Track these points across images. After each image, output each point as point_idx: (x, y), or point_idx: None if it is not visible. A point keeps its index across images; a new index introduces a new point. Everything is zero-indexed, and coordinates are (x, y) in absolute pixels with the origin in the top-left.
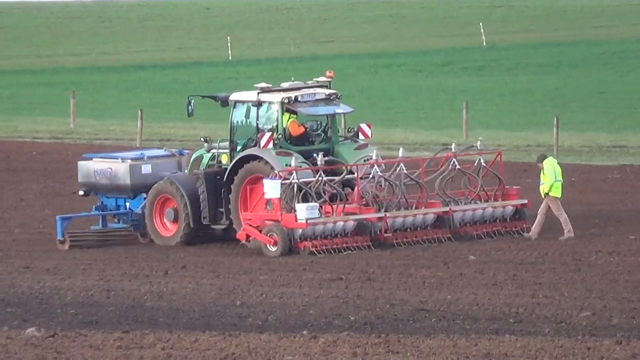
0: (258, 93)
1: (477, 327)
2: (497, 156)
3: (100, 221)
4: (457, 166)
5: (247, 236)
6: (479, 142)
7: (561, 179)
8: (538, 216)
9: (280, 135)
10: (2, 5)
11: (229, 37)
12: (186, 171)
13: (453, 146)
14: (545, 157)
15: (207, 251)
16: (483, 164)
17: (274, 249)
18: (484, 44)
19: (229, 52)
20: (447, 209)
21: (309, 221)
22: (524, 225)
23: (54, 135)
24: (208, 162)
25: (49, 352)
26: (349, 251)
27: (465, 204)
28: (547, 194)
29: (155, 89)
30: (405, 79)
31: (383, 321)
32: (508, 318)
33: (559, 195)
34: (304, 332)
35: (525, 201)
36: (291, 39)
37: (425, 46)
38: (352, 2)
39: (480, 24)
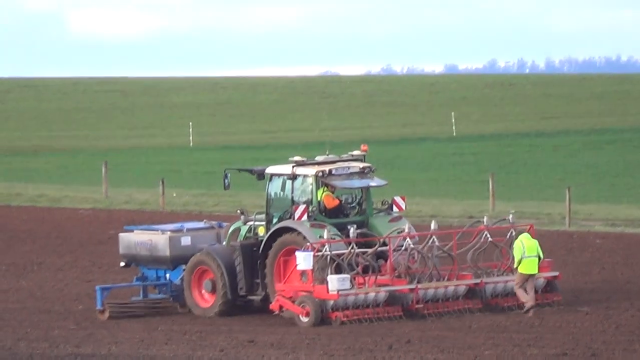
0: (293, 166)
1: None
2: (529, 229)
3: (141, 292)
4: (489, 239)
5: (281, 307)
6: (510, 215)
7: (535, 254)
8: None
9: (314, 208)
10: (227, 81)
11: (453, 113)
12: (224, 243)
13: (485, 219)
14: (520, 234)
15: (432, 325)
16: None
17: (306, 319)
18: None
19: (453, 127)
20: (478, 280)
21: (340, 292)
22: (555, 298)
23: None
24: (245, 234)
25: None
26: (380, 321)
27: (497, 276)
28: (515, 268)
29: (379, 164)
30: (631, 154)
31: None
32: None
33: (530, 271)
34: None
35: (557, 273)
36: (516, 114)
37: None
38: (578, 77)
39: None
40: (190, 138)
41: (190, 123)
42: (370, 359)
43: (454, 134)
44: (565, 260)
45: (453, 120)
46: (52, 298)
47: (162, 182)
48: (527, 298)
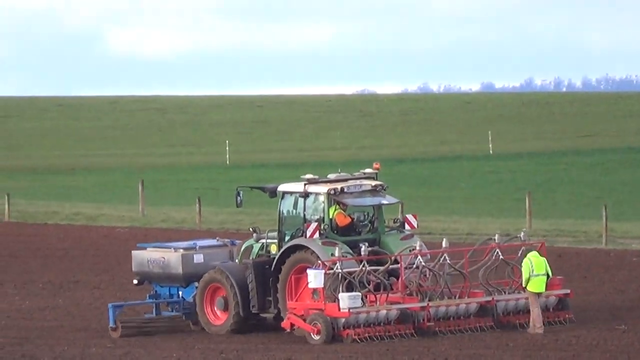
0: (305, 184)
1: None
2: (540, 246)
3: (154, 309)
4: (501, 256)
5: (292, 325)
6: (522, 233)
7: (543, 272)
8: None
9: (326, 226)
10: (264, 99)
11: (489, 131)
12: (237, 261)
13: (496, 237)
14: (528, 252)
15: (469, 344)
16: None
17: (317, 337)
18: None
19: (490, 145)
20: (489, 298)
21: (351, 310)
22: (567, 316)
23: None
24: (258, 251)
25: None
26: (392, 339)
27: (508, 293)
28: (524, 287)
29: (416, 182)
30: None
31: None
32: None
33: (538, 290)
34: None
35: (568, 291)
36: (553, 132)
37: None
38: (614, 96)
39: None
40: (227, 156)
41: (227, 141)
42: None
43: (491, 152)
44: (602, 279)
45: (490, 139)
46: (89, 316)
47: (199, 200)
48: (540, 324)
